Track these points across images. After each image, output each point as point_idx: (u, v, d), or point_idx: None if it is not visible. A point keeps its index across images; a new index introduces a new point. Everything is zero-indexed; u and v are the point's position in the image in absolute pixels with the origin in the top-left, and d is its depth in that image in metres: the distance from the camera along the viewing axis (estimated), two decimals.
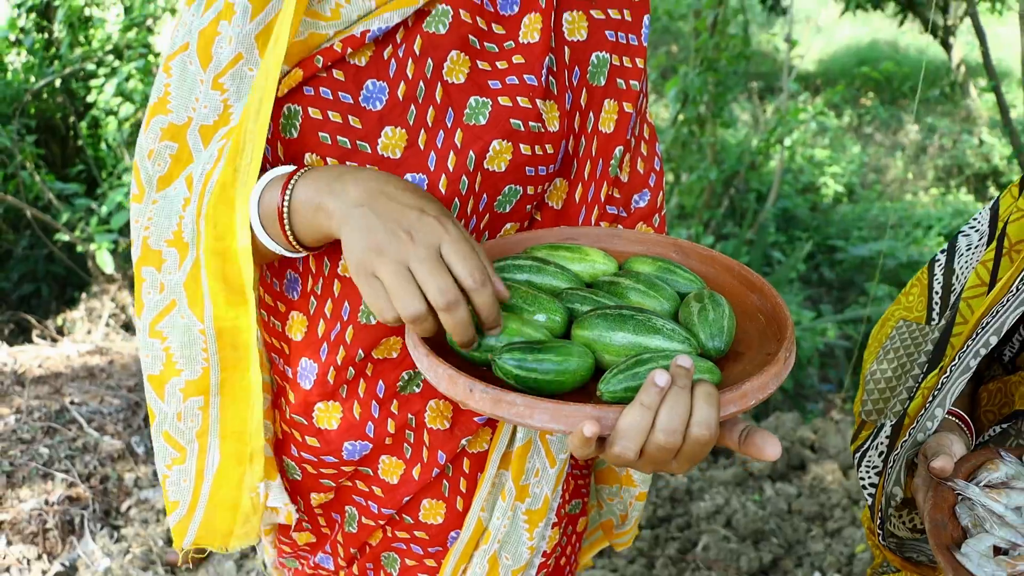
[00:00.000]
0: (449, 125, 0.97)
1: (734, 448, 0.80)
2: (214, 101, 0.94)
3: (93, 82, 5.03)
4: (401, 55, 0.95)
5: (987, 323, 1.04)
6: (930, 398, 1.05)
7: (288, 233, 0.87)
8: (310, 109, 0.94)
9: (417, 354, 0.82)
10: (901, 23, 9.70)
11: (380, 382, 1.03)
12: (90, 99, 5.07)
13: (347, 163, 0.94)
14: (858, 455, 1.16)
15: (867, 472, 1.13)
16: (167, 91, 0.96)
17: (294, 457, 1.08)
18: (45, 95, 5.19)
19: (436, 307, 0.78)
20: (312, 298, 1.01)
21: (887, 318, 1.28)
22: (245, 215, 0.88)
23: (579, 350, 0.82)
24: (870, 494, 1.12)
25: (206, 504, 1.01)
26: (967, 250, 1.21)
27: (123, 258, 4.05)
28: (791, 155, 6.52)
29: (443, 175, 0.96)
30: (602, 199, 1.08)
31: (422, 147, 0.96)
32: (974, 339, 1.04)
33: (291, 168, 0.89)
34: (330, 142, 0.94)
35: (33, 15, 5.34)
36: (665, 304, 0.91)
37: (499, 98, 0.97)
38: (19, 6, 5.24)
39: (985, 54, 5.51)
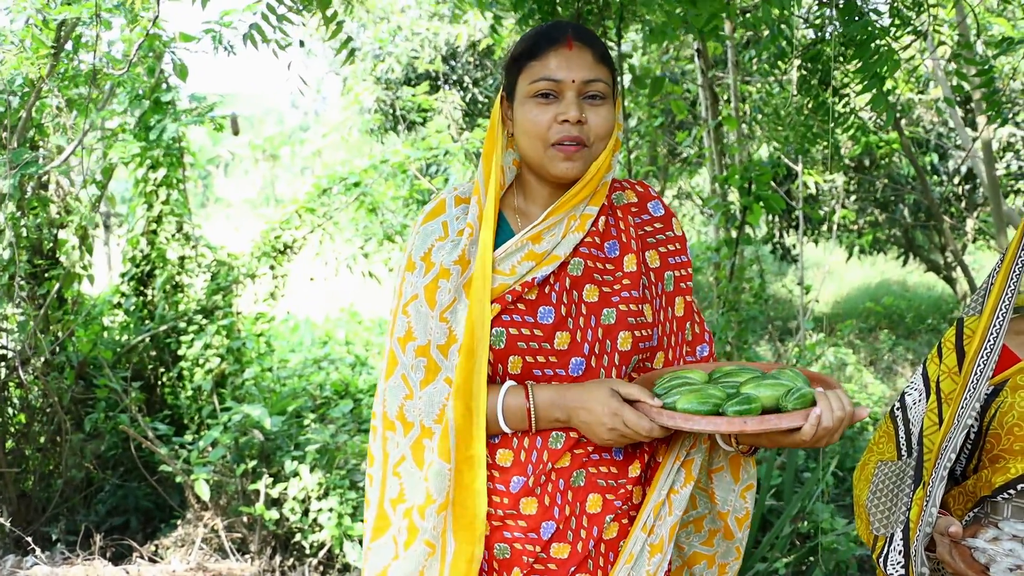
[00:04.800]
0: (593, 326, 1.59)
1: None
2: (442, 328, 1.57)
3: (183, 338, 5.67)
4: (557, 289, 1.60)
5: (946, 445, 1.65)
6: (924, 503, 1.63)
7: (532, 422, 1.56)
8: (510, 329, 1.56)
9: (673, 421, 1.46)
10: (904, 264, 10.47)
11: (560, 481, 1.57)
12: (180, 352, 5.69)
13: (548, 382, 1.61)
14: (881, 559, 1.71)
15: (894, 567, 1.69)
16: (410, 326, 1.59)
17: (506, 539, 1.57)
18: (140, 349, 5.82)
19: (639, 432, 1.51)
20: (515, 440, 1.59)
21: (865, 463, 1.87)
22: (483, 398, 1.52)
23: (752, 396, 1.48)
24: None
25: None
26: (913, 404, 1.83)
27: (214, 489, 4.49)
28: None
29: (593, 356, 1.61)
30: (684, 352, 1.73)
31: (579, 341, 1.60)
32: (941, 457, 1.64)
33: (516, 384, 1.59)
34: (524, 347, 1.58)
35: (133, 282, 6.10)
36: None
37: (619, 306, 1.62)
38: (123, 275, 6.01)
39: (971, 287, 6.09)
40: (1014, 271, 1.72)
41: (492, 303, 1.57)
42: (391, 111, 9.28)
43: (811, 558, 4.27)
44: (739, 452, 1.65)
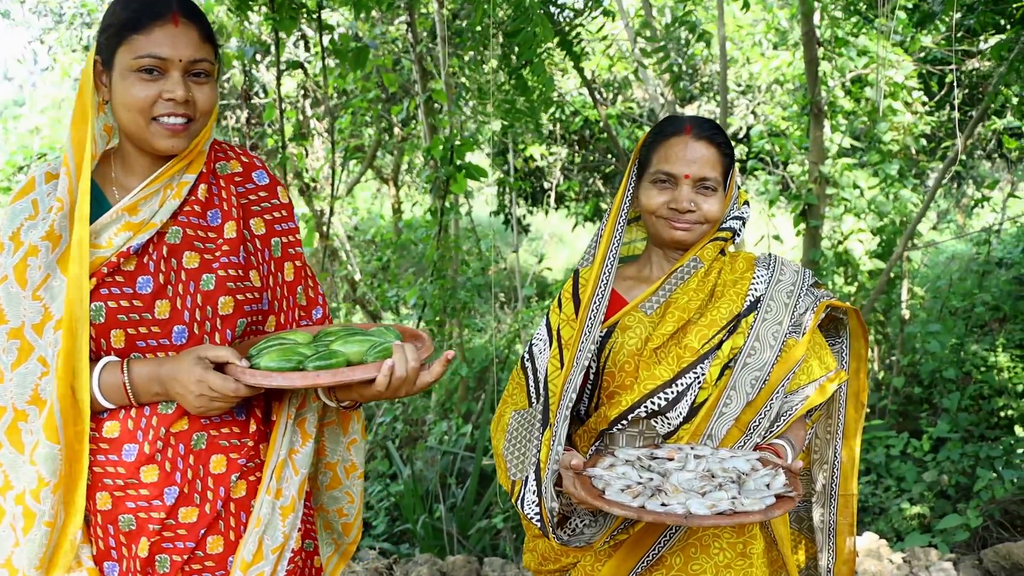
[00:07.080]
0: (192, 292, 1.60)
1: (429, 378, 1.58)
2: (36, 307, 1.53)
3: None
4: (156, 258, 1.60)
5: (567, 387, 1.82)
6: (551, 443, 1.77)
7: (131, 398, 1.55)
8: (109, 302, 1.55)
9: (254, 379, 1.50)
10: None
11: (180, 445, 1.58)
12: None
13: (150, 354, 1.61)
14: (519, 502, 1.82)
15: (530, 507, 1.80)
16: (1, 309, 1.52)
17: (130, 510, 1.57)
18: None
19: (227, 395, 1.52)
20: (122, 412, 1.58)
21: (501, 415, 1.99)
22: (86, 375, 1.51)
23: (337, 351, 1.56)
24: (537, 517, 1.79)
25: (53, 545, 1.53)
26: (539, 354, 1.97)
27: None
28: None
29: (195, 323, 1.62)
30: (297, 316, 1.79)
31: (180, 308, 1.60)
32: (563, 398, 1.80)
33: (115, 359, 1.55)
34: (125, 319, 1.56)
35: None
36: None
37: (219, 271, 1.63)
38: None
39: None
40: (619, 224, 1.92)
41: (90, 277, 1.55)
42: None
43: None
44: (341, 408, 1.73)
